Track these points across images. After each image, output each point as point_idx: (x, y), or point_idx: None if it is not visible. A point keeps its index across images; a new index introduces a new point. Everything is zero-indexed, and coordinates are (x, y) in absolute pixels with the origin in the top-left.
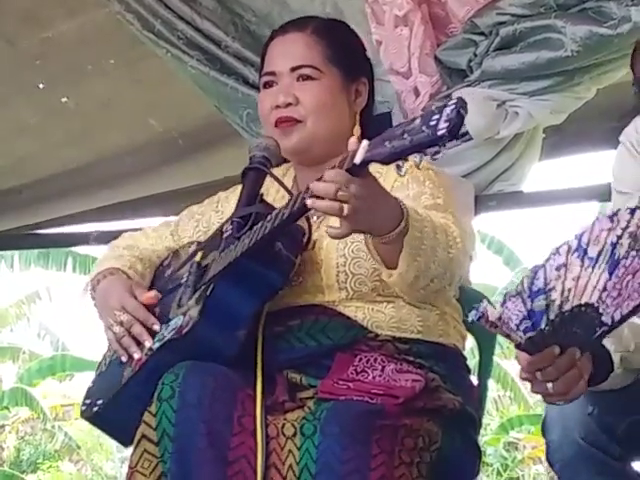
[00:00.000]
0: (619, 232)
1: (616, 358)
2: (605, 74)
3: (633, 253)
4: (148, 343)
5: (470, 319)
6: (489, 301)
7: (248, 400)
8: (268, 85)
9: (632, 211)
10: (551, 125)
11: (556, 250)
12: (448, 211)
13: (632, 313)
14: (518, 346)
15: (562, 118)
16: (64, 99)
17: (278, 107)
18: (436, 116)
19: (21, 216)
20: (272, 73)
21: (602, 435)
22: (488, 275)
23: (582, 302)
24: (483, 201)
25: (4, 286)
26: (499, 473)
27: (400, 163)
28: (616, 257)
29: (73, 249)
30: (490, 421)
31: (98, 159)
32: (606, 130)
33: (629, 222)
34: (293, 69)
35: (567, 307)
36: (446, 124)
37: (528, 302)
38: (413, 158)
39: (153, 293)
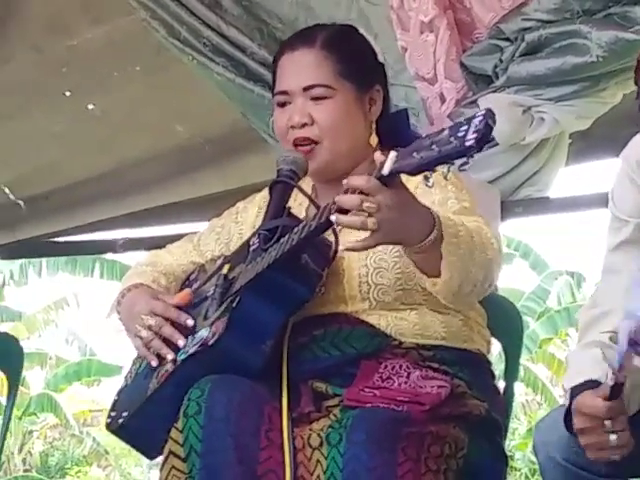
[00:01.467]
0: None
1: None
2: (631, 79)
3: None
4: (181, 342)
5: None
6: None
7: (275, 413)
8: (282, 104)
9: None
10: (577, 130)
11: None
12: (476, 213)
13: None
14: (613, 387)
15: (588, 123)
16: (90, 106)
17: (293, 127)
18: (464, 127)
19: (48, 223)
20: (285, 92)
21: (585, 454)
22: (515, 279)
23: None
24: (509, 207)
25: (32, 292)
26: (527, 478)
27: (428, 174)
28: None
29: (100, 255)
30: (518, 425)
31: (124, 166)
32: (632, 135)
33: None
34: (305, 89)
35: None
36: (474, 135)
37: None
38: (441, 169)
39: (187, 290)
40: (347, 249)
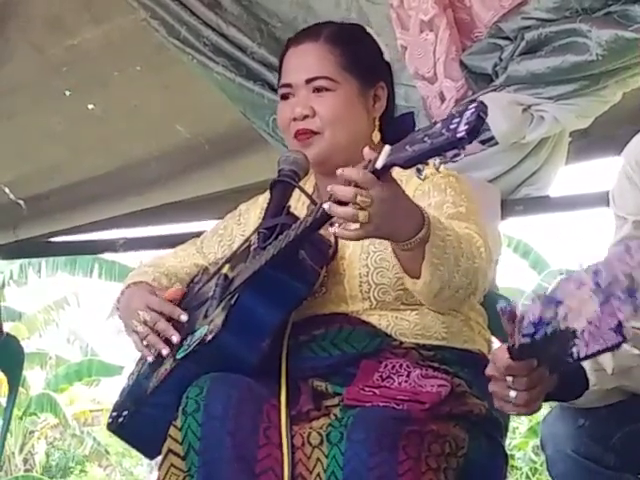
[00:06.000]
0: (626, 268)
1: (592, 377)
2: (631, 77)
3: (622, 295)
4: (175, 338)
5: (498, 308)
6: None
7: (273, 411)
8: (285, 97)
9: None
10: (577, 129)
11: (587, 265)
12: (471, 220)
13: (594, 356)
14: (509, 348)
15: (588, 122)
16: (91, 106)
17: (295, 119)
18: (456, 119)
19: (48, 222)
20: (288, 85)
21: (594, 446)
22: (515, 279)
23: (571, 326)
24: (510, 206)
25: (32, 292)
26: (528, 477)
27: (420, 167)
28: (611, 292)
29: (100, 256)
30: (519, 424)
31: (125, 165)
32: (632, 134)
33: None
34: (308, 81)
35: (561, 326)
36: (466, 127)
37: (541, 309)
38: (433, 161)
39: (177, 287)
40: (335, 235)
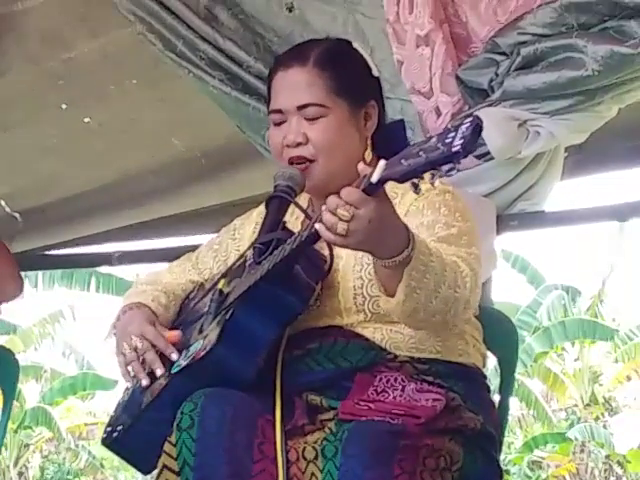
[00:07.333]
0: None
1: None
2: (627, 93)
3: None
4: (159, 372)
5: None
6: None
7: (268, 426)
8: (277, 123)
9: None
10: (573, 144)
11: None
12: (461, 242)
13: None
14: None
15: (584, 137)
16: (87, 119)
17: (288, 146)
18: (452, 134)
19: (44, 236)
20: (279, 111)
21: None
22: (512, 293)
23: None
24: (505, 221)
25: (28, 305)
26: None
27: (416, 181)
28: None
29: (97, 269)
30: (514, 439)
31: (121, 179)
32: (628, 149)
33: None
34: (299, 108)
35: None
36: (461, 141)
37: None
38: (428, 176)
39: (177, 332)
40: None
